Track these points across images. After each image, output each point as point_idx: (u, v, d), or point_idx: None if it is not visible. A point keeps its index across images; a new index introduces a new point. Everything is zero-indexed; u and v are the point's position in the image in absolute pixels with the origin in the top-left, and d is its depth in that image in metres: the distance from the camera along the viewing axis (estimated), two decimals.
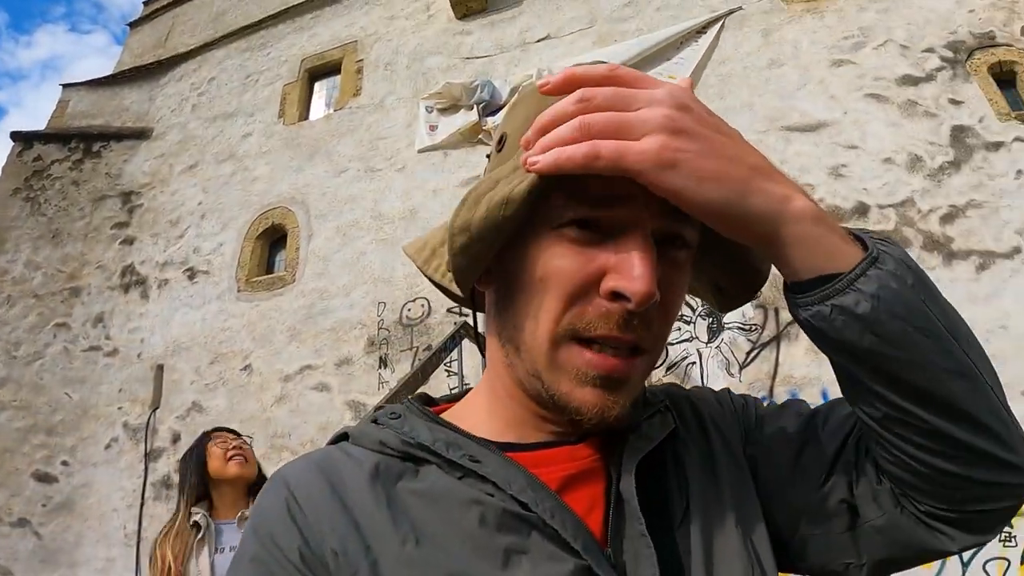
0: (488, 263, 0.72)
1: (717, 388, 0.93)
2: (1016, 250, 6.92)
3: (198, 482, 3.04)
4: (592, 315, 0.64)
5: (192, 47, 13.13)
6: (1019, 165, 7.45)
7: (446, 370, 7.18)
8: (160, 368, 9.30)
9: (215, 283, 9.68)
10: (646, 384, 0.81)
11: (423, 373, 5.65)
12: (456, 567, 0.64)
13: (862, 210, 7.30)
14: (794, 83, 8.19)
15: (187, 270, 9.96)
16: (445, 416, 0.79)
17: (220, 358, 9.02)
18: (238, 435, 3.24)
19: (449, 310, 8.12)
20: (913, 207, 7.38)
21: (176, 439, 8.61)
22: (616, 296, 0.62)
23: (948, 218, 7.28)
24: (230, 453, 3.06)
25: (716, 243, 0.71)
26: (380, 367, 8.11)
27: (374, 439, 0.73)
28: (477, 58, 10.19)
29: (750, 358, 6.90)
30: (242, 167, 10.66)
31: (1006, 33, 8.41)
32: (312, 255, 9.25)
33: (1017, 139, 7.59)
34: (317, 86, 11.46)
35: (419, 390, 0.78)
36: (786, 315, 6.50)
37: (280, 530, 0.68)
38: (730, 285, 0.79)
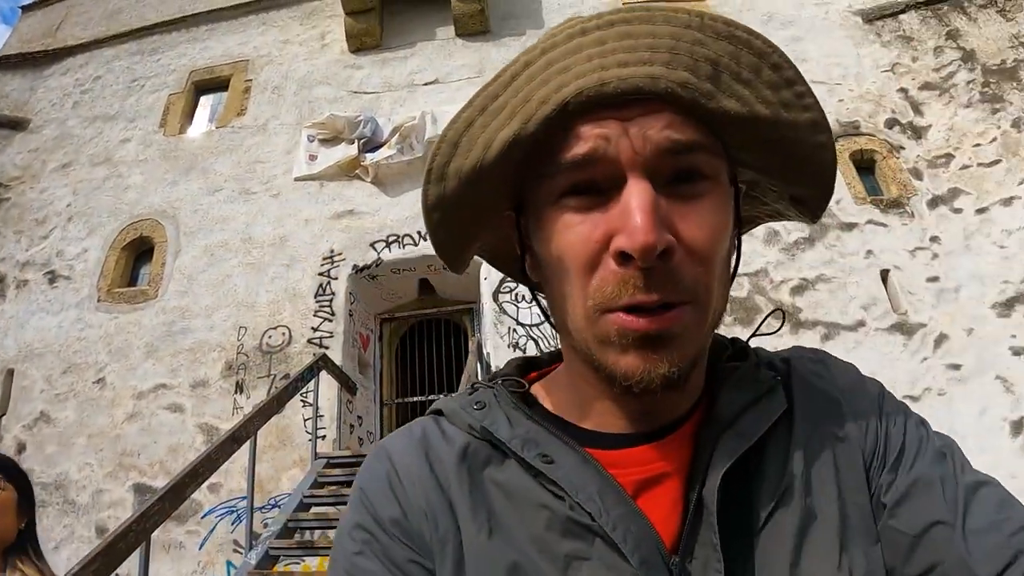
0: (474, 236, 0.74)
1: None
2: (860, 323, 7.57)
3: None
4: (611, 284, 0.61)
5: (82, 41, 12.68)
6: (869, 246, 8.12)
7: (302, 400, 7.20)
8: (10, 373, 8.85)
9: (75, 290, 9.30)
10: (759, 352, 0.79)
11: (278, 401, 5.68)
12: (520, 564, 0.65)
13: None
14: None
15: (48, 273, 9.53)
16: (540, 388, 0.80)
17: (73, 368, 8.66)
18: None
19: (310, 341, 8.14)
20: (766, 277, 7.95)
21: (22, 449, 8.21)
22: (624, 257, 0.59)
23: (798, 289, 7.88)
24: None
25: (762, 153, 0.68)
26: (236, 392, 8.00)
27: (464, 422, 0.74)
28: (365, 93, 10.28)
29: None
30: (116, 173, 10.35)
31: (870, 124, 9.20)
32: (177, 272, 9.04)
33: (870, 221, 8.31)
34: (203, 100, 11.24)
35: (518, 358, 0.86)
36: None
37: (382, 501, 0.71)
38: (802, 187, 0.72)
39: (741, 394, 0.71)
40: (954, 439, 0.73)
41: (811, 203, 0.73)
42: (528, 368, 0.85)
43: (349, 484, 5.94)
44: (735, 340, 0.82)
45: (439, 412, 0.78)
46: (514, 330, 8.08)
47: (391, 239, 8.85)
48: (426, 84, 10.18)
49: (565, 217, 0.63)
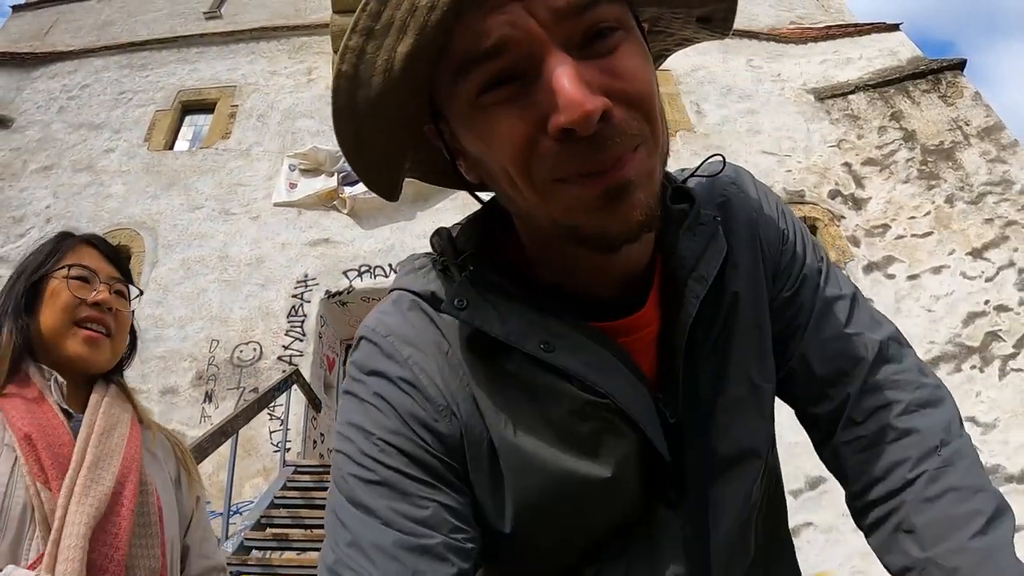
0: (400, 159, 0.70)
1: None
2: None
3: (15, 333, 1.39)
4: (559, 159, 0.59)
5: (72, 48, 12.92)
6: None
7: (268, 414, 7.50)
8: None
9: None
10: (696, 181, 0.84)
11: (258, 405, 6.09)
12: (546, 456, 0.70)
13: None
14: None
15: None
16: (514, 250, 0.77)
17: None
18: (120, 275, 1.55)
19: (280, 358, 8.48)
20: None
21: None
22: (566, 133, 0.57)
23: None
24: (84, 314, 1.43)
25: None
26: (205, 401, 8.28)
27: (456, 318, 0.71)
28: None
29: None
30: (98, 181, 10.60)
31: (815, 194, 9.85)
32: (153, 282, 9.31)
33: None
34: (188, 119, 11.59)
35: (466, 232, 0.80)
36: None
37: (401, 399, 0.70)
38: (706, 6, 0.71)
39: (693, 240, 0.76)
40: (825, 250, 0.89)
41: (717, 19, 0.72)
42: (483, 226, 0.80)
43: (316, 489, 6.41)
44: (668, 175, 0.82)
45: (415, 293, 0.77)
46: None
47: (363, 269, 9.27)
48: None
49: (490, 113, 0.60)
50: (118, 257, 1.58)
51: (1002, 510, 0.69)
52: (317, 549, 5.64)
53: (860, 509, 0.79)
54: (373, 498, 0.66)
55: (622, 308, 0.74)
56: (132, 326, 1.61)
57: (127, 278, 1.58)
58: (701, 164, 0.86)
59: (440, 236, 0.79)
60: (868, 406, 0.78)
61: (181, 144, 11.31)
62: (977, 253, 9.20)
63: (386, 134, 0.66)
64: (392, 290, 0.81)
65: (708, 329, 0.77)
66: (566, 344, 0.69)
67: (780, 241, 0.86)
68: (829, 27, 12.69)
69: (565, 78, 0.56)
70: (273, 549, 5.78)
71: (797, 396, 0.86)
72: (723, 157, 0.86)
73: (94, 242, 1.56)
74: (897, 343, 0.82)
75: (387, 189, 0.73)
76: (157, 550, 1.32)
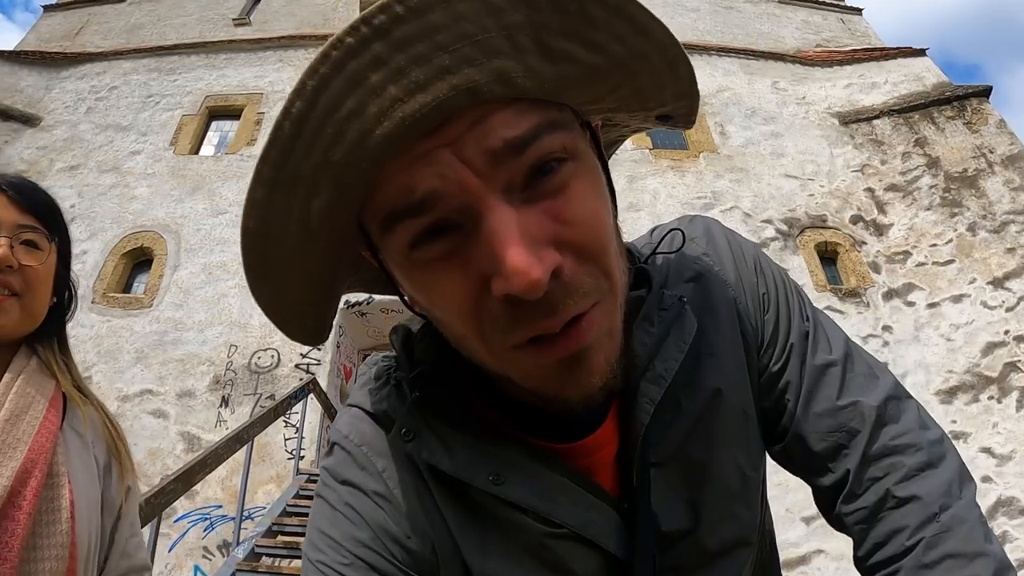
0: (330, 300, 0.65)
1: None
2: None
3: None
4: (509, 322, 0.53)
5: (101, 49, 13.07)
6: None
7: (284, 421, 7.55)
8: None
9: None
10: (662, 257, 0.77)
11: (274, 413, 6.11)
12: None
13: None
14: (646, 227, 9.14)
15: None
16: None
17: None
18: (36, 223, 1.27)
19: (297, 365, 8.53)
20: None
21: None
22: (512, 301, 0.51)
23: None
24: None
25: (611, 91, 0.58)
26: (221, 405, 8.34)
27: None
28: None
29: None
30: (123, 183, 10.71)
31: (837, 219, 9.86)
32: (175, 285, 9.41)
33: (828, 307, 8.92)
34: (214, 125, 11.68)
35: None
36: None
37: (382, 521, 0.68)
38: (667, 107, 0.63)
39: (648, 334, 0.69)
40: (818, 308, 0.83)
41: (680, 116, 0.65)
42: (413, 337, 0.74)
43: None
44: (629, 253, 0.75)
45: (368, 413, 0.74)
46: None
47: None
48: None
49: (428, 269, 0.55)
50: (35, 201, 1.29)
51: (1002, 572, 0.67)
52: None
53: (864, 571, 0.76)
54: None
55: (587, 422, 0.68)
56: (66, 279, 1.39)
57: (49, 224, 1.30)
58: (662, 239, 0.79)
59: (398, 337, 0.74)
60: (868, 477, 0.73)
61: (207, 149, 11.41)
62: (998, 283, 9.21)
63: (310, 286, 0.60)
64: (348, 404, 0.77)
65: (675, 431, 0.71)
66: (518, 475, 0.65)
67: (761, 309, 0.79)
68: (855, 51, 12.69)
69: (507, 239, 0.50)
70: (283, 556, 5.78)
71: (796, 469, 0.80)
72: (682, 232, 0.79)
73: (1, 186, 1.27)
74: (896, 400, 0.76)
75: (316, 335, 0.66)
76: (64, 551, 1.15)
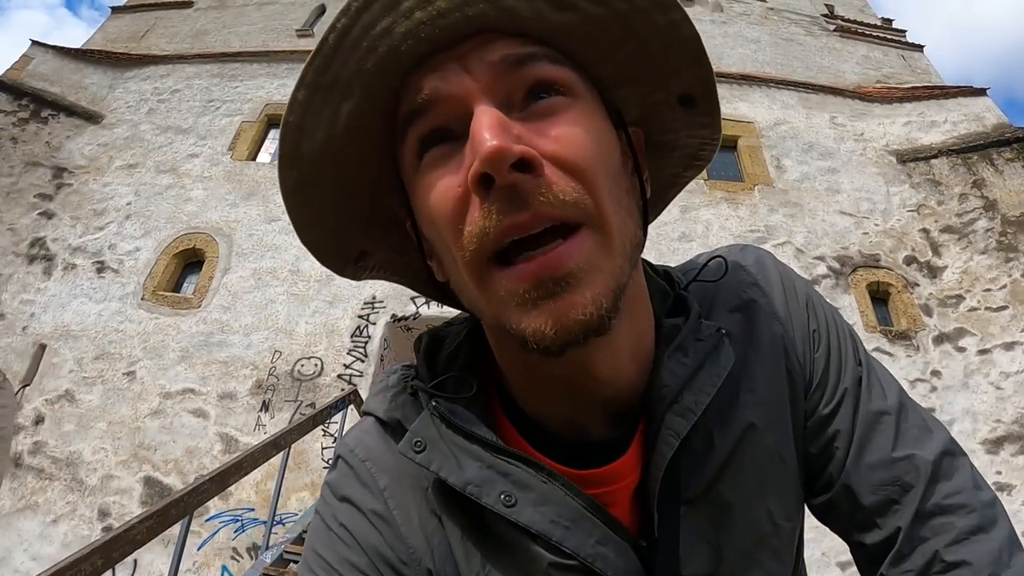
0: (351, 233, 0.68)
1: None
2: None
3: None
4: (478, 221, 0.54)
5: (166, 53, 13.38)
6: None
7: (323, 430, 7.62)
8: (42, 347, 9.26)
9: (122, 284, 9.77)
10: (702, 285, 0.75)
11: (313, 422, 6.11)
12: None
13: None
14: None
15: (97, 263, 10.02)
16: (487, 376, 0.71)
17: (106, 356, 9.07)
18: None
19: (339, 376, 8.58)
20: None
21: (39, 421, 8.58)
22: (483, 182, 0.53)
23: None
24: None
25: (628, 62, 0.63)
26: (261, 410, 8.41)
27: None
28: None
29: None
30: (179, 184, 10.89)
31: (890, 259, 9.71)
32: (224, 288, 9.54)
33: (877, 349, 8.77)
34: (272, 133, 11.82)
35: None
36: None
37: (376, 543, 0.66)
38: (679, 80, 0.65)
39: (680, 364, 0.66)
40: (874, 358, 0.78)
41: (699, 94, 0.66)
42: (438, 346, 0.75)
43: None
44: (671, 278, 0.77)
45: (380, 420, 0.73)
46: None
47: None
48: None
49: (428, 177, 0.58)
50: None
51: None
52: None
53: None
54: None
55: (611, 448, 0.66)
56: None
57: None
58: (705, 265, 0.77)
59: (421, 345, 0.74)
60: (917, 536, 0.68)
61: (264, 156, 11.55)
62: None
63: (333, 189, 0.64)
64: (362, 411, 0.77)
65: (704, 468, 0.67)
66: (530, 496, 0.62)
67: (812, 347, 0.75)
68: (915, 88, 12.51)
69: (483, 122, 0.53)
70: None
71: (841, 525, 0.74)
72: (725, 260, 0.77)
73: None
74: (951, 456, 0.71)
75: (335, 258, 0.69)
76: None
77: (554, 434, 0.66)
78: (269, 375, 8.70)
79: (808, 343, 0.75)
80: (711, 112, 0.67)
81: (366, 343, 8.95)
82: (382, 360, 8.90)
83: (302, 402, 8.44)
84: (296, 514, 6.85)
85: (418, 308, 9.25)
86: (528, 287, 0.54)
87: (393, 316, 9.17)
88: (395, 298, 9.32)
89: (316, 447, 7.93)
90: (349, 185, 0.64)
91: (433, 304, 9.18)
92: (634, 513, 0.67)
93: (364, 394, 8.14)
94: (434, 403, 0.66)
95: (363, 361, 8.79)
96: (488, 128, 0.52)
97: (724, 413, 0.68)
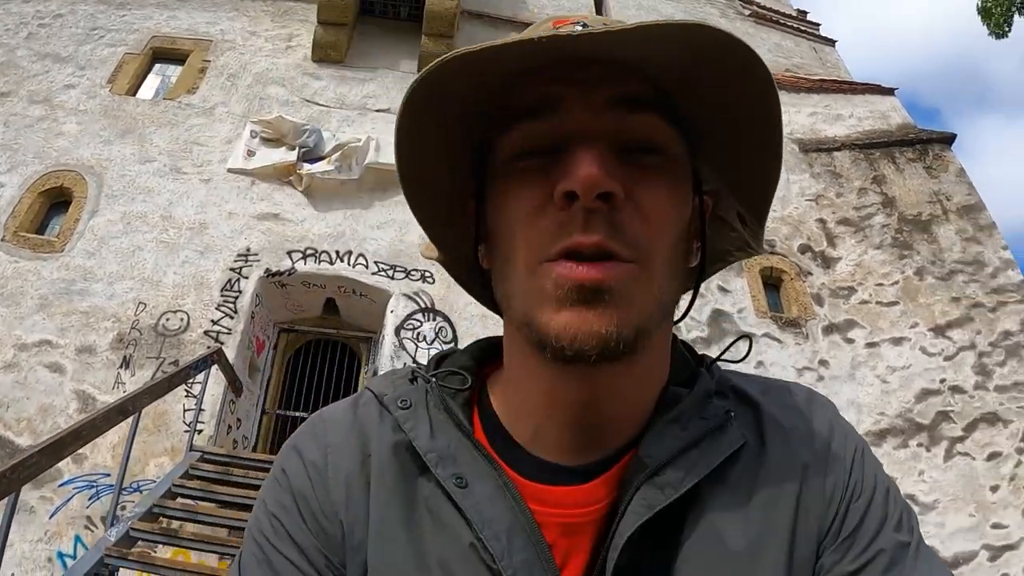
0: (446, 198, 0.72)
1: None
2: None
3: None
4: (553, 227, 0.58)
5: None
6: (761, 357, 8.57)
7: (186, 390, 7.15)
8: None
9: None
10: (727, 378, 0.73)
11: (169, 384, 5.65)
12: None
13: None
14: None
15: None
16: (494, 383, 0.74)
17: None
18: None
19: (207, 332, 8.06)
20: None
21: None
22: (567, 198, 0.57)
23: None
24: None
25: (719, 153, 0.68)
26: (121, 366, 7.80)
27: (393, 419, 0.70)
28: (317, 104, 10.36)
29: None
30: (52, 116, 10.03)
31: (785, 246, 9.74)
32: (90, 231, 8.82)
33: (767, 335, 8.80)
34: (157, 67, 11.02)
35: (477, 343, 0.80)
36: None
37: (304, 486, 0.69)
38: (744, 197, 0.72)
39: (673, 435, 0.64)
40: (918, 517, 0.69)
41: (751, 216, 0.73)
42: (491, 354, 0.78)
43: (220, 482, 5.96)
44: (703, 358, 0.76)
45: (374, 393, 0.75)
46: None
47: (308, 252, 8.89)
48: (378, 111, 10.35)
49: (517, 177, 0.62)
50: None
51: None
52: (212, 551, 5.25)
53: None
54: (253, 568, 0.67)
55: (560, 475, 0.65)
56: None
57: None
58: (730, 345, 0.76)
59: (433, 357, 0.78)
60: None
61: (145, 92, 10.72)
62: (940, 330, 9.17)
63: (434, 140, 0.67)
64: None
65: (663, 552, 0.61)
66: (482, 489, 0.63)
67: (846, 495, 0.65)
68: (824, 80, 12.56)
69: (587, 155, 0.57)
70: (160, 543, 5.31)
71: None
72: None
73: None
74: None
75: (421, 205, 0.73)
76: None
77: (521, 448, 0.68)
78: (132, 328, 8.05)
79: (843, 489, 0.66)
80: (760, 234, 0.75)
81: (236, 298, 8.39)
82: (253, 317, 8.41)
83: (165, 359, 7.84)
84: (154, 481, 6.36)
85: (294, 264, 8.78)
86: (571, 286, 0.57)
87: (267, 271, 8.65)
88: (270, 251, 8.81)
89: (178, 408, 7.38)
90: (448, 147, 0.69)
91: (310, 259, 8.84)
92: (577, 554, 0.63)
93: (231, 353, 7.71)
94: (432, 380, 0.72)
95: (232, 317, 8.24)
96: (589, 156, 0.56)
97: (707, 503, 0.63)
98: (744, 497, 0.63)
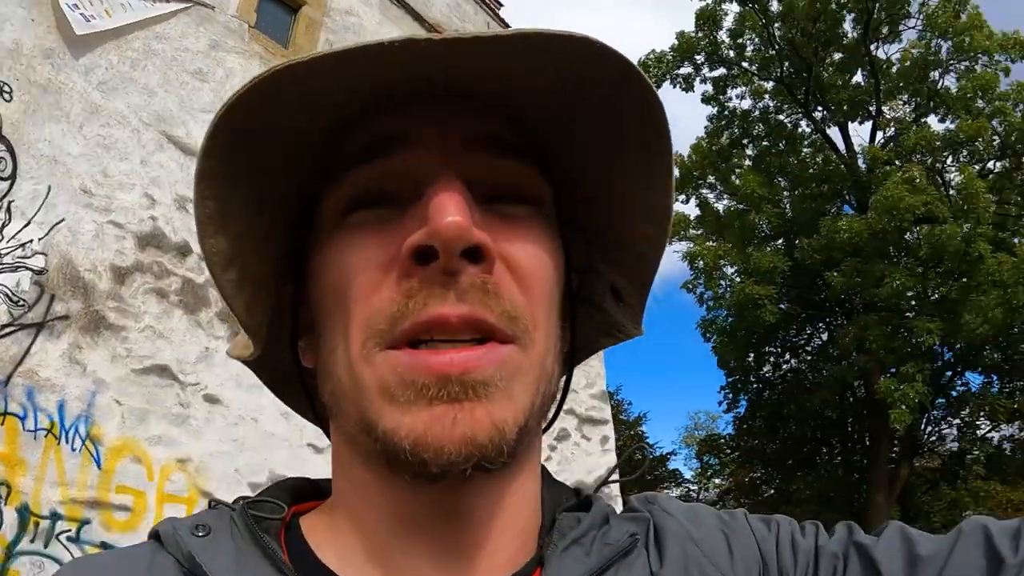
0: (267, 283, 0.56)
1: None
2: None
3: None
4: (398, 298, 0.46)
5: None
6: None
7: None
8: None
9: None
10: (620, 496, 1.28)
11: None
12: None
13: None
14: None
15: None
16: (317, 519, 0.58)
17: None
18: None
19: None
20: None
21: None
22: (420, 256, 0.45)
23: None
24: None
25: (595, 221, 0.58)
26: None
27: (179, 549, 0.51)
28: None
29: (3, 332, 5.19)
30: None
31: None
32: None
33: None
34: None
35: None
36: (58, 308, 5.34)
37: None
38: (620, 274, 0.61)
39: (580, 561, 0.51)
40: None
41: (628, 302, 0.62)
42: (307, 494, 0.62)
43: None
44: (578, 490, 0.62)
45: (157, 536, 0.54)
46: None
47: None
48: None
49: (351, 236, 0.50)
50: None
51: None
52: None
53: None
54: None
55: None
56: None
57: None
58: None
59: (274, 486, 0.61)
60: None
61: None
62: None
63: (245, 196, 0.51)
64: None
65: None
66: None
67: (763, 547, 0.58)
68: None
69: (449, 198, 0.45)
70: None
71: None
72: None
73: None
74: None
75: (254, 324, 0.56)
76: None
77: None
78: None
79: (756, 550, 0.58)
80: (639, 310, 0.64)
81: None
82: None
83: None
84: None
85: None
86: (429, 382, 0.44)
87: None
88: None
89: None
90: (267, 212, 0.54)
91: None
92: None
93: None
94: (241, 504, 0.55)
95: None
96: (452, 204, 0.44)
97: None
98: None
